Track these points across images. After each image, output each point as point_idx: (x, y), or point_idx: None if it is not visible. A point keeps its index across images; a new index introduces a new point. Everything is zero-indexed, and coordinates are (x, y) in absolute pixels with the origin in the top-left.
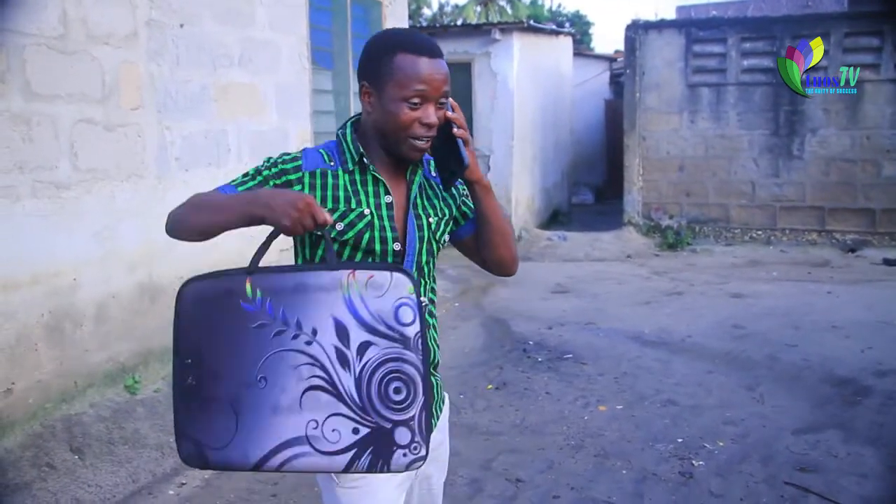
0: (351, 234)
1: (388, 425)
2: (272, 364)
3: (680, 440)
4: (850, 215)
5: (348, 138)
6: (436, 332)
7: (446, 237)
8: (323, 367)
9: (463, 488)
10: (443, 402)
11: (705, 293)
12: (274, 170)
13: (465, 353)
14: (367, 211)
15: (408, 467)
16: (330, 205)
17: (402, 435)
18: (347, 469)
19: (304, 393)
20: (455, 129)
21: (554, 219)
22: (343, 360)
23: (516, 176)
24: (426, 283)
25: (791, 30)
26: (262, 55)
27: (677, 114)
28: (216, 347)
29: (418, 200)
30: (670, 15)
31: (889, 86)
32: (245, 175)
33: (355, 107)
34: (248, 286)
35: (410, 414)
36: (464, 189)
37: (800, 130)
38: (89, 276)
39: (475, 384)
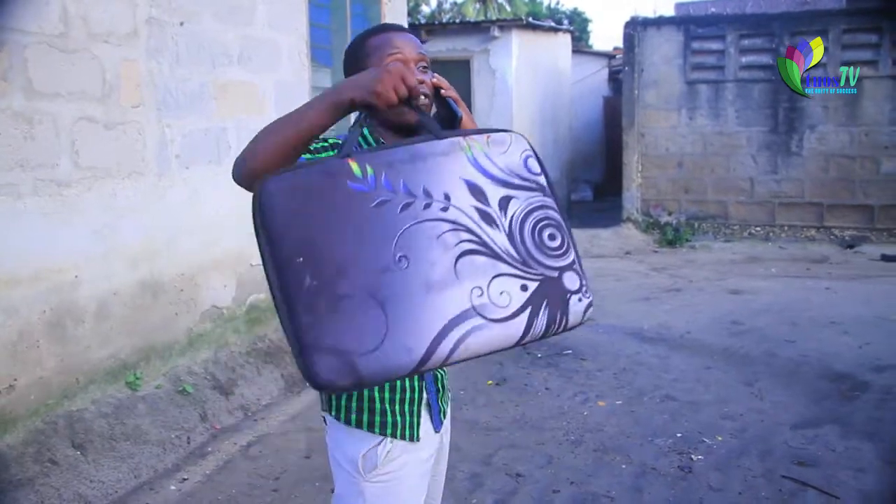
0: None
1: (555, 273)
2: (409, 240)
3: (679, 435)
4: (848, 211)
5: (366, 131)
6: None
7: None
8: (469, 230)
9: (463, 483)
10: (449, 393)
11: (704, 289)
12: (320, 145)
13: None
14: None
15: (584, 314)
16: None
17: (571, 280)
18: (524, 337)
19: (457, 261)
20: (443, 91)
21: None
22: (488, 219)
23: None
24: None
25: (789, 27)
26: (261, 53)
27: (676, 111)
28: (333, 237)
29: None
30: (669, 12)
31: (887, 82)
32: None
33: None
34: (353, 165)
35: (571, 257)
36: None
37: (798, 127)
38: (90, 273)
39: (475, 380)
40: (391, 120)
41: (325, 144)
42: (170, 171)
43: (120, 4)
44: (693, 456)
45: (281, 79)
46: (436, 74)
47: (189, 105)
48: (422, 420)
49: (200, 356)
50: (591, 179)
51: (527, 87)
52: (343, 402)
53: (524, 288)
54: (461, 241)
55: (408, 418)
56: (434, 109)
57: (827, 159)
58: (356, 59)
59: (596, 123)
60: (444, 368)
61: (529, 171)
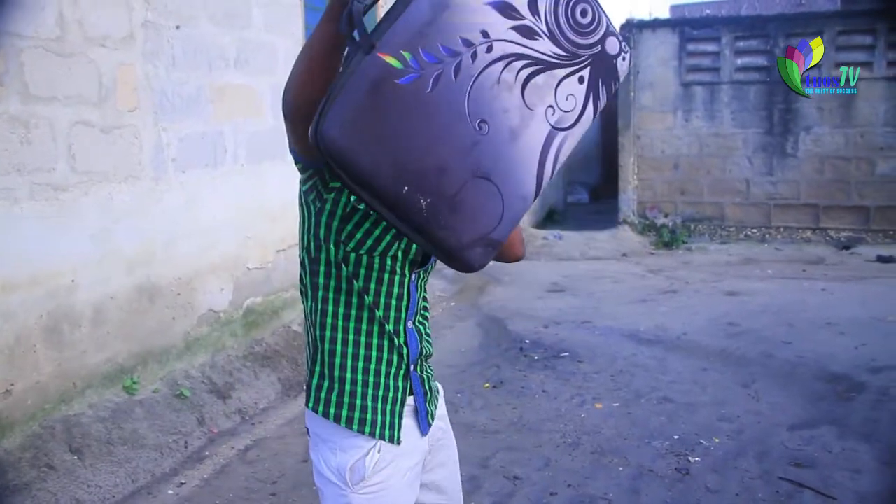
0: (382, 245)
1: (598, 47)
2: (476, 103)
3: (676, 437)
4: (844, 213)
5: None
6: (428, 322)
7: None
8: (518, 56)
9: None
10: (437, 393)
11: (700, 291)
12: None
13: (462, 352)
14: None
15: (629, 67)
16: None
17: (612, 45)
18: (594, 117)
19: (523, 94)
20: None
21: (549, 218)
22: (528, 33)
23: None
24: (426, 277)
25: (785, 28)
26: (258, 56)
27: (672, 113)
28: (417, 144)
29: None
30: (664, 14)
31: (882, 84)
32: None
33: None
34: (390, 59)
35: (604, 22)
36: None
37: (794, 129)
38: (87, 278)
39: (472, 383)
40: None
41: None
42: (166, 174)
43: (116, 8)
44: (690, 458)
45: (278, 82)
46: None
47: (186, 108)
48: (403, 423)
49: (197, 360)
50: (588, 182)
51: None
52: (323, 395)
53: (581, 80)
54: (518, 72)
55: (388, 418)
56: None
57: (822, 161)
58: None
59: (592, 125)
60: (431, 370)
61: None
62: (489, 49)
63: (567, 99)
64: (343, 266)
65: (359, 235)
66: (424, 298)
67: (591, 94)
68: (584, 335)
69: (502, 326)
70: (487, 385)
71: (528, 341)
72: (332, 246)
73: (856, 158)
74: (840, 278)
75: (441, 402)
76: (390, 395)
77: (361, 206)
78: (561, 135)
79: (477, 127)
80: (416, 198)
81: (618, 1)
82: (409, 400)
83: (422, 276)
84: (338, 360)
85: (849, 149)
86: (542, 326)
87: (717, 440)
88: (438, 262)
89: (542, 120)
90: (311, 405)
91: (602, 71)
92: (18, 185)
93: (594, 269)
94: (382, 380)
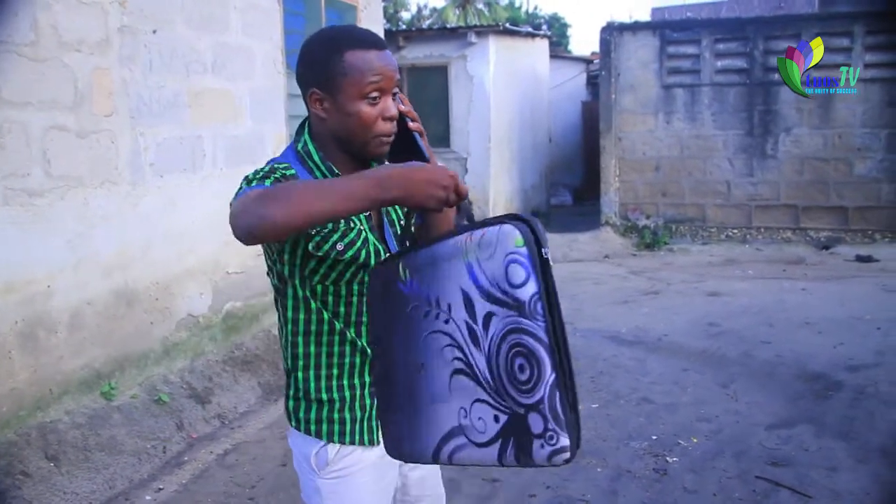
0: (351, 252)
1: (522, 411)
2: (426, 348)
3: (655, 437)
4: (823, 213)
5: (316, 157)
6: None
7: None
8: (460, 348)
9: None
10: None
11: (682, 292)
12: (276, 176)
13: None
14: (362, 227)
15: (550, 461)
16: (329, 225)
17: (535, 422)
18: (500, 462)
19: (450, 378)
20: (411, 124)
21: None
22: (474, 338)
23: (494, 178)
24: None
25: (763, 31)
26: (235, 60)
27: (653, 115)
28: (387, 336)
29: None
30: (645, 17)
31: (860, 85)
32: (259, 175)
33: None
34: (401, 268)
35: (538, 396)
36: None
37: (773, 130)
38: (63, 283)
39: None
40: (364, 151)
41: (284, 164)
42: (144, 179)
43: (91, 13)
44: (668, 458)
45: (256, 86)
46: (403, 99)
47: (163, 113)
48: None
49: (176, 365)
50: (571, 184)
51: (505, 92)
52: (302, 415)
53: (496, 419)
54: (454, 359)
55: (366, 425)
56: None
57: (802, 162)
58: (327, 70)
59: (575, 128)
60: None
61: (510, 282)
62: (447, 321)
63: (479, 419)
64: (311, 300)
65: (322, 270)
66: None
67: (501, 441)
68: None
69: None
70: None
71: None
72: (297, 282)
73: (834, 159)
74: (820, 278)
75: None
76: (368, 407)
77: (320, 253)
78: (462, 440)
79: (420, 364)
80: (378, 360)
81: (599, 3)
82: None
83: None
84: (312, 385)
85: (827, 150)
86: None
87: (695, 440)
88: None
89: (455, 413)
90: (293, 424)
91: (517, 435)
92: None
93: (576, 270)
94: (358, 393)
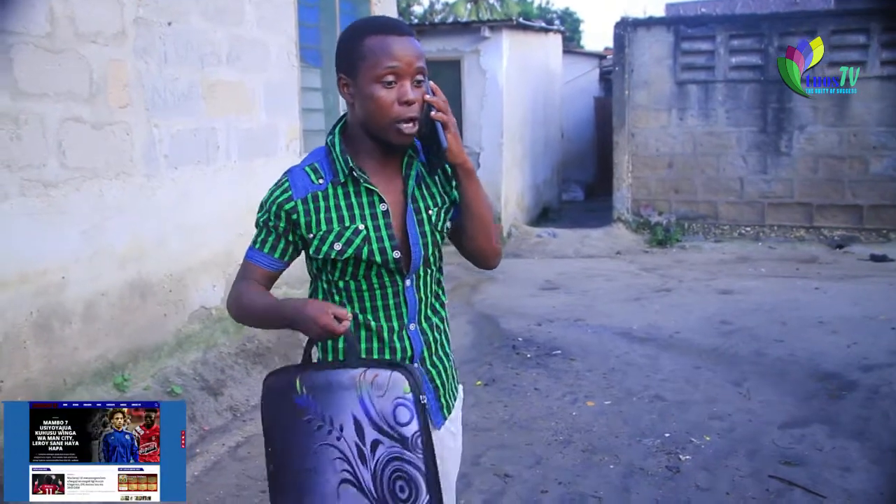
0: (350, 251)
1: None
2: (318, 455)
3: (667, 435)
4: (837, 212)
5: (337, 149)
6: (439, 319)
7: (448, 224)
8: (349, 462)
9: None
10: (456, 391)
11: (694, 289)
12: (273, 211)
13: (454, 349)
14: (361, 226)
15: None
16: (324, 227)
17: None
18: None
19: (339, 485)
20: (433, 113)
21: (544, 216)
22: (362, 457)
23: (506, 173)
24: (433, 272)
25: (779, 27)
26: (250, 53)
27: (666, 111)
28: (282, 438)
29: (416, 193)
30: (659, 12)
31: (875, 83)
32: (258, 233)
33: (344, 104)
34: (297, 382)
35: None
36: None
37: (787, 127)
38: (78, 274)
39: (464, 380)
40: (385, 137)
41: (283, 186)
42: (158, 171)
43: (107, 5)
44: (681, 456)
45: (270, 78)
46: (434, 88)
47: (177, 105)
48: None
49: (189, 357)
50: (582, 179)
51: (517, 87)
52: None
53: None
54: (343, 470)
55: None
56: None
57: (816, 159)
58: (350, 57)
59: (587, 123)
60: (441, 363)
61: (396, 420)
62: (338, 438)
63: None
64: (335, 295)
65: (339, 266)
66: (437, 295)
67: None
68: (576, 333)
69: (495, 324)
70: (479, 383)
71: (520, 339)
72: (322, 282)
73: (849, 157)
74: (833, 277)
75: (458, 405)
76: None
77: (320, 256)
78: None
79: (311, 467)
80: (270, 459)
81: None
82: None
83: (421, 278)
84: None
85: (842, 148)
86: (535, 324)
87: (707, 438)
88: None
89: None
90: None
91: None
92: (8, 182)
93: (588, 266)
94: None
